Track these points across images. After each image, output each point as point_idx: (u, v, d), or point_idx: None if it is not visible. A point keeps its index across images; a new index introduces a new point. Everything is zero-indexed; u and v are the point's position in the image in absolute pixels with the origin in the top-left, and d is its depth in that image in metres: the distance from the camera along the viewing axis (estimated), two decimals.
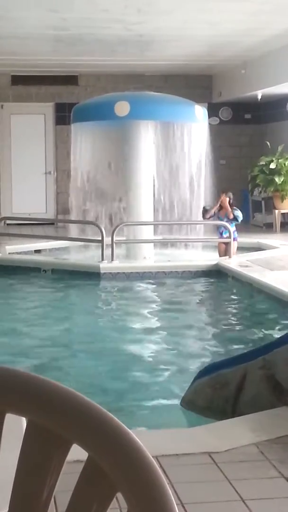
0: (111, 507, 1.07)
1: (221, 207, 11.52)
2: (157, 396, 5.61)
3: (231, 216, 11.41)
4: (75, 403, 1.05)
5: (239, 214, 11.50)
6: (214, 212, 11.54)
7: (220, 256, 11.37)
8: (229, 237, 11.15)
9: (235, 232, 11.36)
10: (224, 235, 11.39)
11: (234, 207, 11.57)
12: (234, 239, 11.26)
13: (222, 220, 11.44)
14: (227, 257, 10.98)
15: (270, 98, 15.61)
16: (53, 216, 16.73)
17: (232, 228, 11.25)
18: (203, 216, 11.68)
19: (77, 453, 1.10)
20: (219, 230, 11.68)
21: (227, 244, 11.26)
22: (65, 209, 14.85)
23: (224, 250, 11.37)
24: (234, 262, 10.62)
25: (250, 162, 15.99)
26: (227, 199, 11.51)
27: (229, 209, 11.41)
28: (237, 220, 11.51)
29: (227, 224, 11.19)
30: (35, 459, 1.07)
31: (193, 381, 4.93)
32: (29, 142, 16.80)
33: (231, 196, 11.65)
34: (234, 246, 11.27)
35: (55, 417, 1.06)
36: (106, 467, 1.04)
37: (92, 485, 1.06)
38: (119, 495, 1.05)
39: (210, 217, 11.58)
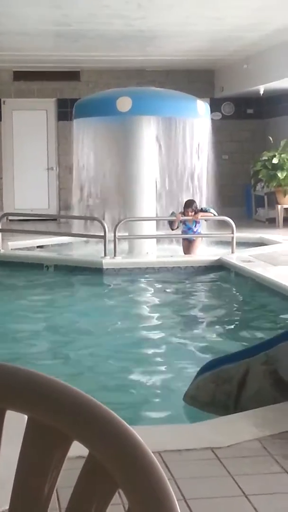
0: (113, 503, 1.07)
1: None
2: (159, 391, 5.62)
3: (198, 217, 11.26)
4: (75, 400, 1.06)
5: (210, 209, 11.40)
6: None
7: (184, 253, 11.39)
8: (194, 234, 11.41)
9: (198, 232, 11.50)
10: (190, 233, 11.40)
11: (203, 208, 11.43)
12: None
13: (190, 226, 11.37)
14: (231, 252, 10.97)
15: (273, 93, 15.59)
16: (55, 212, 16.71)
17: (196, 227, 11.37)
18: (171, 227, 11.53)
19: (79, 449, 1.10)
20: (183, 229, 11.54)
21: (191, 243, 11.39)
22: (67, 204, 14.85)
23: (188, 248, 11.41)
24: (237, 257, 10.61)
25: (253, 157, 15.97)
26: (190, 212, 11.21)
27: (192, 219, 11.20)
28: (212, 212, 11.39)
29: (229, 219, 11.12)
30: (36, 456, 1.07)
31: (195, 377, 4.93)
32: (31, 138, 16.79)
33: (195, 205, 11.31)
34: (197, 244, 11.40)
35: (56, 414, 1.06)
36: (107, 464, 1.04)
37: (93, 481, 1.06)
38: (121, 490, 1.05)
39: (177, 227, 11.40)
